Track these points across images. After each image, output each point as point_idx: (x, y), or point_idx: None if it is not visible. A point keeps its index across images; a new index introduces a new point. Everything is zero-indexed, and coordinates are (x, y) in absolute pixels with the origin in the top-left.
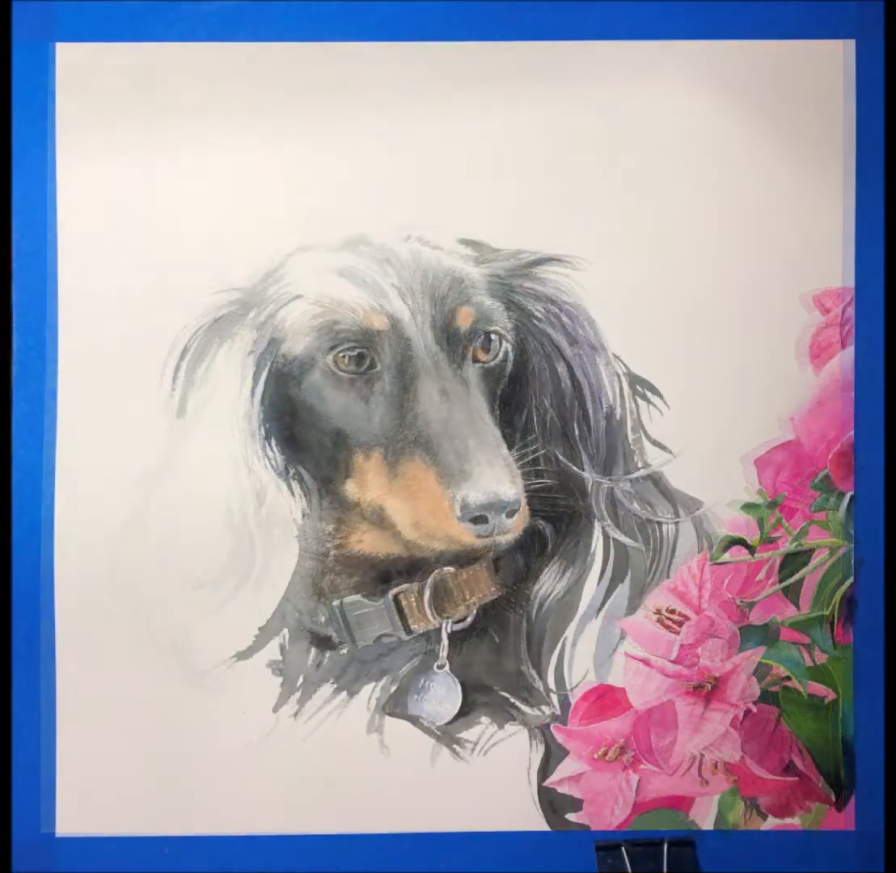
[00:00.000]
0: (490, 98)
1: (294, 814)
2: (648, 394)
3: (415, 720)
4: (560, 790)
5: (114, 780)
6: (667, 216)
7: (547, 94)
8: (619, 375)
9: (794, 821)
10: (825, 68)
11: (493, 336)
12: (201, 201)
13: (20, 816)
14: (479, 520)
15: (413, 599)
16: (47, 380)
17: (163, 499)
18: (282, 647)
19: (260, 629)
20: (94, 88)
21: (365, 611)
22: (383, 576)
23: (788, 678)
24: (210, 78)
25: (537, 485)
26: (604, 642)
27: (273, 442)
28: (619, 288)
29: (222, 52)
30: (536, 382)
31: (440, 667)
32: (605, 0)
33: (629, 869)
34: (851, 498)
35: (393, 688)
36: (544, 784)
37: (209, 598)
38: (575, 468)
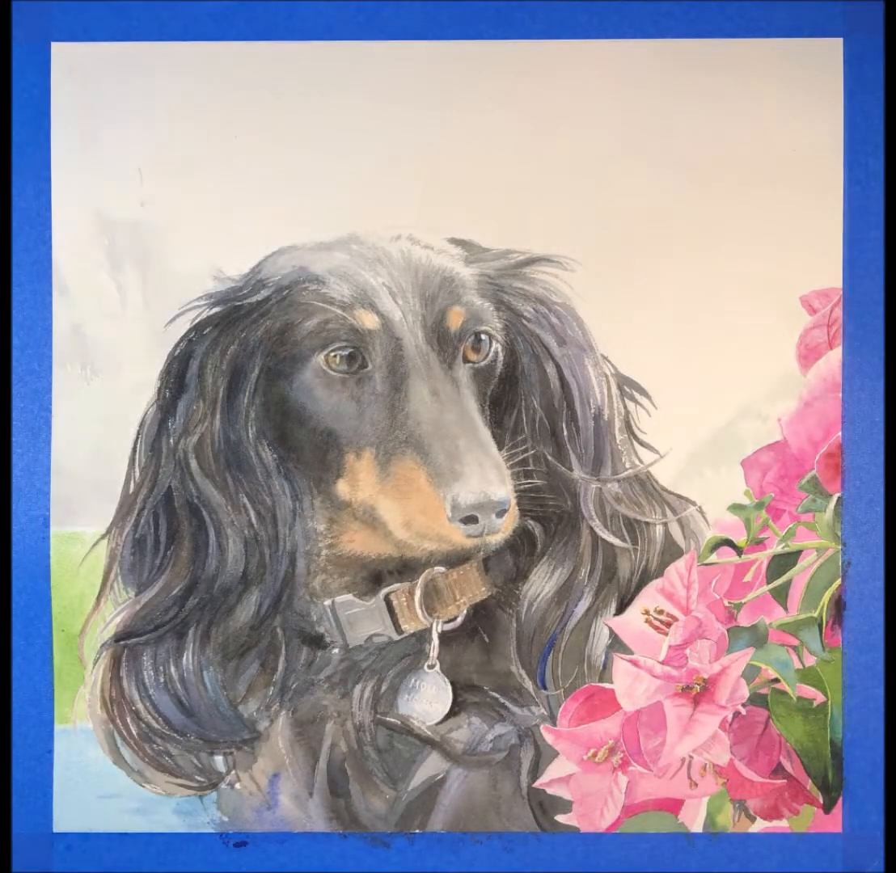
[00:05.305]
0: (481, 98)
1: (287, 814)
2: (637, 394)
3: (405, 719)
4: (550, 791)
5: (114, 777)
6: (659, 217)
7: (538, 93)
8: (607, 376)
9: (783, 824)
10: (821, 66)
11: (483, 336)
12: (193, 199)
13: (20, 814)
14: (469, 520)
15: (404, 599)
16: (43, 379)
17: (154, 498)
18: (273, 646)
19: (251, 628)
20: (90, 87)
21: (356, 611)
22: (375, 575)
23: (778, 680)
24: (203, 77)
25: (527, 486)
26: (593, 643)
27: (264, 441)
28: (609, 288)
29: (216, 50)
30: (526, 383)
31: (431, 667)
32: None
33: None
34: (839, 499)
35: (383, 688)
36: (534, 785)
37: (200, 597)
38: (564, 468)
